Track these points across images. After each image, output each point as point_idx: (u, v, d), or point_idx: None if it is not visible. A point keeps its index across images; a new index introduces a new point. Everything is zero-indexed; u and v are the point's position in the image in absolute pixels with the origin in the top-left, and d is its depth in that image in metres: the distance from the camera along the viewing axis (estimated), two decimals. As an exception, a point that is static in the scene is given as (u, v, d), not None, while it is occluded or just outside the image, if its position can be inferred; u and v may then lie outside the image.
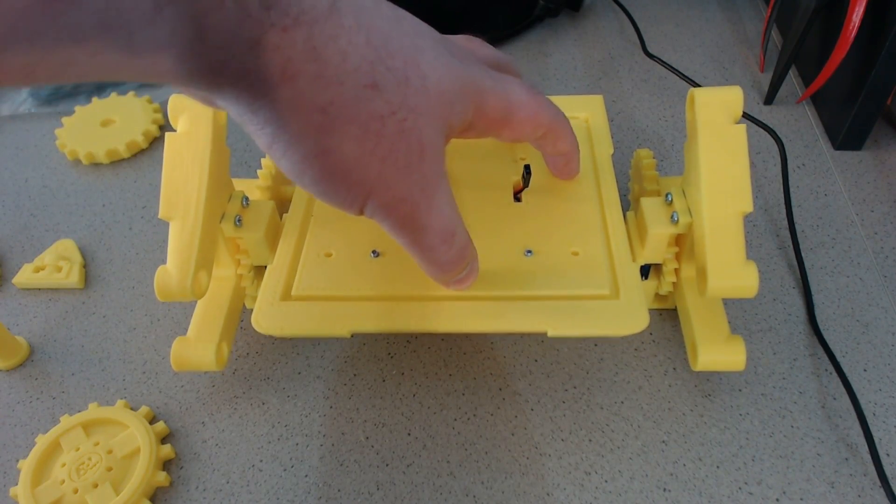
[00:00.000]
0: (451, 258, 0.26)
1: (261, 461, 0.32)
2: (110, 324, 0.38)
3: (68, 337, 0.37)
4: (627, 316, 0.29)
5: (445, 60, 0.23)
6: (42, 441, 0.32)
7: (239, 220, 0.32)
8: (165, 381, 0.35)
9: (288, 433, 0.33)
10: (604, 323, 0.29)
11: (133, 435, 0.32)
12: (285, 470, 0.31)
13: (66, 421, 0.33)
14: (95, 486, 0.30)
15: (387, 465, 0.31)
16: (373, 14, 0.22)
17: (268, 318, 0.30)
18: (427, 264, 0.26)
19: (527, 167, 0.34)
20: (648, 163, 0.36)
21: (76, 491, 0.30)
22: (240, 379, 0.35)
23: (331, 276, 0.31)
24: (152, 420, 0.33)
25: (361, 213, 0.24)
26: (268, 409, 0.34)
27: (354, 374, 0.35)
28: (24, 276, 0.40)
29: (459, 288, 0.29)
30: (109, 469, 0.31)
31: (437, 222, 0.24)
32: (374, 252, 0.32)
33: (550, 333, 0.28)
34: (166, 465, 0.32)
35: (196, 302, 0.34)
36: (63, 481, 0.30)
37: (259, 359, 0.36)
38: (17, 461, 0.32)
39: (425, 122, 0.22)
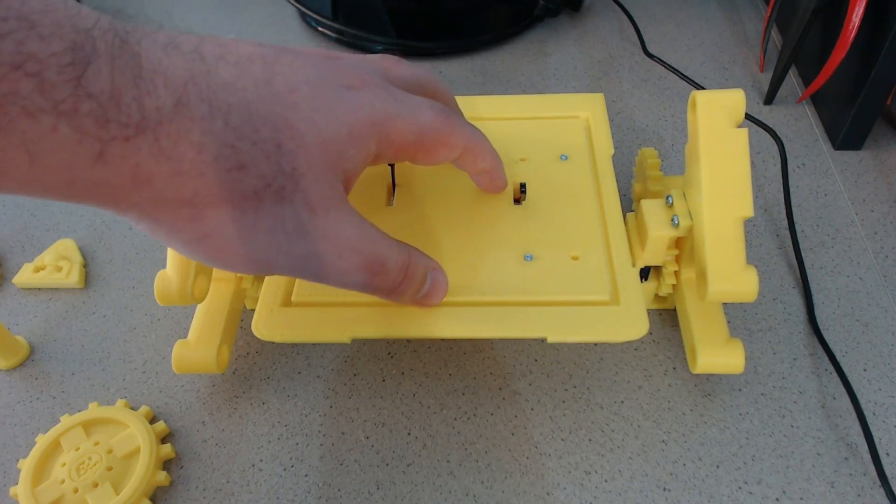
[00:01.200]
0: (392, 284, 0.25)
1: (261, 461, 0.32)
2: (110, 324, 0.38)
3: (68, 337, 0.37)
4: (627, 322, 0.29)
5: (327, 107, 0.22)
6: (42, 441, 0.32)
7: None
8: (165, 380, 0.35)
9: (288, 433, 0.33)
10: (604, 329, 0.29)
11: (133, 434, 0.32)
12: (285, 470, 0.31)
13: (66, 420, 0.33)
14: (95, 485, 0.30)
15: (387, 464, 0.31)
16: (232, 88, 0.21)
17: (268, 325, 0.30)
18: (378, 296, 0.26)
19: (522, 185, 0.34)
20: (653, 163, 0.35)
21: (76, 490, 0.30)
22: (240, 379, 0.35)
23: None
24: (152, 420, 0.33)
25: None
26: (268, 409, 0.34)
27: (354, 374, 0.35)
28: (24, 275, 0.40)
29: (428, 305, 0.28)
30: (110, 468, 0.31)
31: (354, 262, 0.23)
32: None
33: (550, 339, 0.28)
34: (166, 464, 0.32)
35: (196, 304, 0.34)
36: (63, 481, 0.30)
37: (259, 359, 0.36)
38: (18, 461, 0.32)
39: (309, 180, 0.22)
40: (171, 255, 0.31)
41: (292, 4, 0.56)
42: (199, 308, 0.34)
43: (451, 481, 0.31)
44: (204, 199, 0.20)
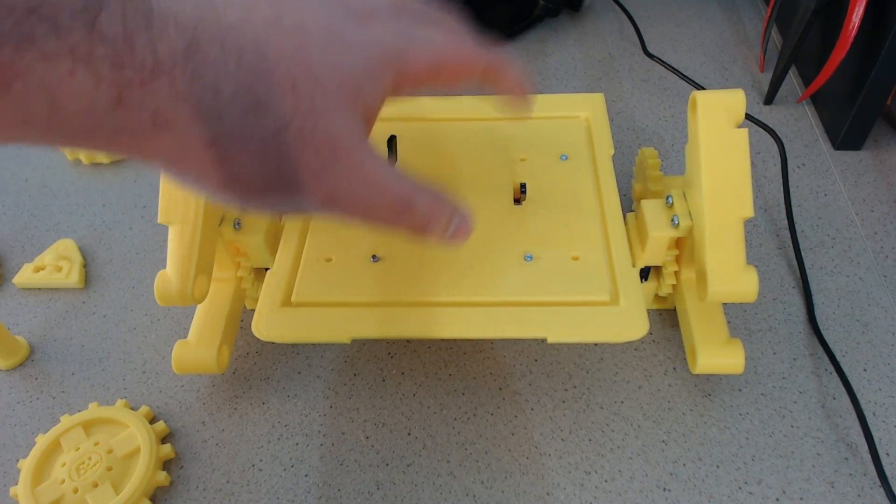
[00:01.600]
0: (420, 223, 0.25)
1: (261, 461, 0.32)
2: (110, 324, 0.38)
3: (68, 337, 0.37)
4: (627, 322, 0.29)
5: (340, 43, 0.22)
6: (42, 441, 0.32)
7: (238, 224, 0.32)
8: (165, 380, 0.35)
9: (288, 433, 0.33)
10: (603, 329, 0.29)
11: (133, 435, 0.32)
12: (285, 470, 0.31)
13: (66, 420, 0.33)
14: (95, 485, 0.30)
15: (387, 464, 0.31)
16: (242, 29, 0.21)
17: (268, 325, 0.30)
18: (404, 234, 0.25)
19: (523, 185, 0.34)
20: (653, 162, 0.35)
21: (76, 490, 0.30)
22: (240, 379, 0.35)
23: (331, 282, 0.31)
24: (152, 420, 0.33)
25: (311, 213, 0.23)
26: (268, 409, 0.34)
27: (354, 374, 0.35)
28: (24, 275, 0.40)
29: (456, 242, 0.27)
30: (109, 469, 0.31)
31: (382, 199, 0.23)
32: (373, 257, 0.32)
33: (550, 340, 0.28)
34: (166, 464, 0.32)
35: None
36: (63, 481, 0.30)
37: (259, 359, 0.36)
38: (18, 461, 0.32)
39: (329, 118, 0.22)
40: (172, 256, 0.31)
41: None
42: (200, 308, 0.34)
43: (451, 481, 0.31)
44: (226, 139, 0.20)
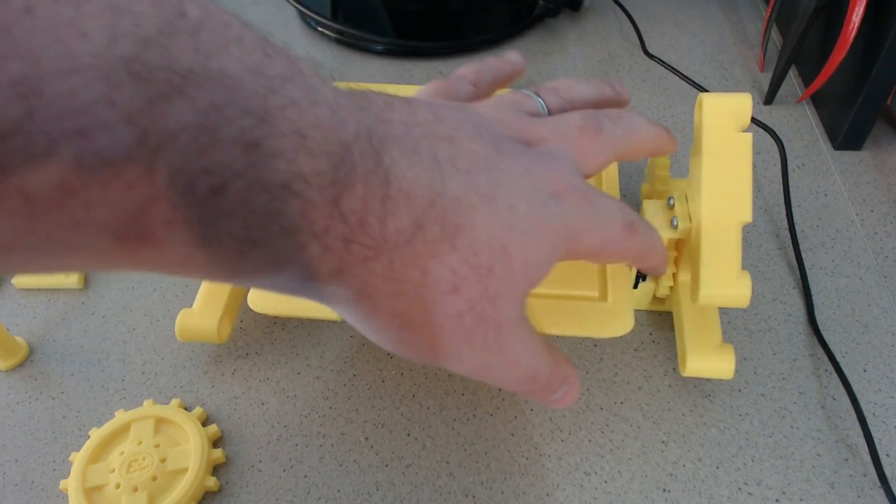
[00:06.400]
0: (536, 392, 0.25)
1: (260, 461, 0.32)
2: (110, 324, 0.38)
3: (68, 337, 0.37)
4: (613, 319, 0.29)
5: (538, 229, 0.22)
6: (120, 417, 0.32)
7: None
8: (164, 381, 0.35)
9: (287, 434, 0.33)
10: (589, 324, 0.29)
11: (188, 453, 0.31)
12: (284, 471, 0.31)
13: (147, 407, 0.33)
14: (135, 489, 0.30)
15: (386, 465, 0.31)
16: (460, 206, 0.21)
17: (262, 298, 0.31)
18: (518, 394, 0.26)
19: None
20: (662, 163, 0.35)
21: (118, 486, 0.30)
22: (239, 379, 0.35)
23: None
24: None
25: None
26: (267, 410, 0.34)
27: (354, 375, 0.35)
28: (24, 276, 0.40)
29: (558, 407, 0.30)
30: (154, 479, 0.30)
31: (515, 374, 0.24)
32: None
33: None
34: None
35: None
36: (113, 470, 0.30)
37: (259, 359, 0.36)
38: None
39: (506, 303, 0.22)
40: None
41: (292, 4, 0.56)
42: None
43: (450, 482, 0.31)
44: (413, 314, 0.21)
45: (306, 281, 0.19)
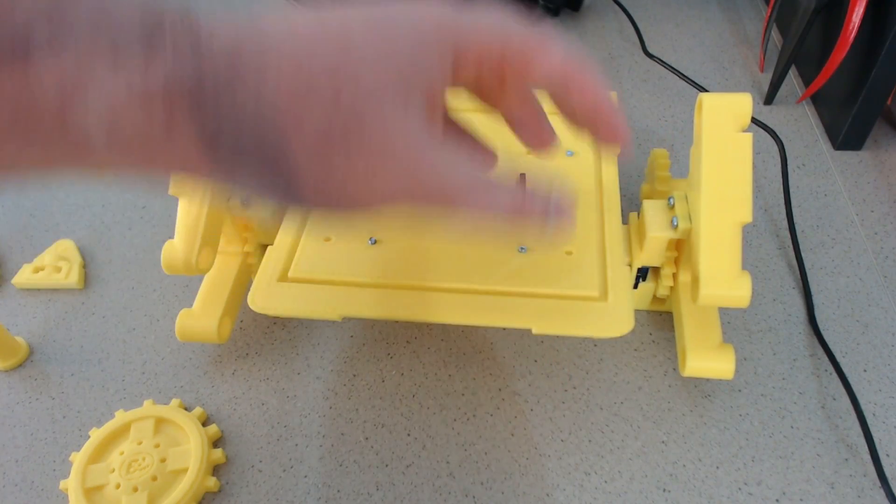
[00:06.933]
0: (505, 205, 0.22)
1: (260, 461, 0.32)
2: (110, 324, 0.38)
3: (68, 337, 0.37)
4: (613, 319, 0.29)
5: (383, 33, 0.20)
6: (120, 417, 0.32)
7: (246, 200, 0.33)
8: (164, 381, 0.35)
9: (287, 433, 0.33)
10: (588, 324, 0.29)
11: (188, 453, 0.31)
12: (285, 470, 0.31)
13: (147, 407, 0.33)
14: (135, 489, 0.30)
15: (386, 465, 0.31)
16: (281, 47, 0.19)
17: (263, 298, 0.31)
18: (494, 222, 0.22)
19: (522, 175, 0.34)
20: (662, 163, 0.36)
21: (118, 486, 0.30)
22: (239, 379, 0.35)
23: (327, 261, 0.32)
24: (215, 443, 0.33)
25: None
26: (267, 410, 0.34)
27: (354, 375, 0.35)
28: (24, 276, 0.40)
29: (559, 232, 0.23)
30: (154, 479, 0.30)
31: (453, 182, 0.21)
32: (371, 239, 0.33)
33: (535, 331, 0.29)
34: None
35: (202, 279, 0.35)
36: (113, 470, 0.30)
37: (259, 359, 0.36)
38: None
39: (374, 121, 0.20)
40: (179, 227, 0.32)
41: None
42: (206, 280, 0.35)
43: (450, 482, 0.31)
44: (267, 142, 0.20)
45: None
